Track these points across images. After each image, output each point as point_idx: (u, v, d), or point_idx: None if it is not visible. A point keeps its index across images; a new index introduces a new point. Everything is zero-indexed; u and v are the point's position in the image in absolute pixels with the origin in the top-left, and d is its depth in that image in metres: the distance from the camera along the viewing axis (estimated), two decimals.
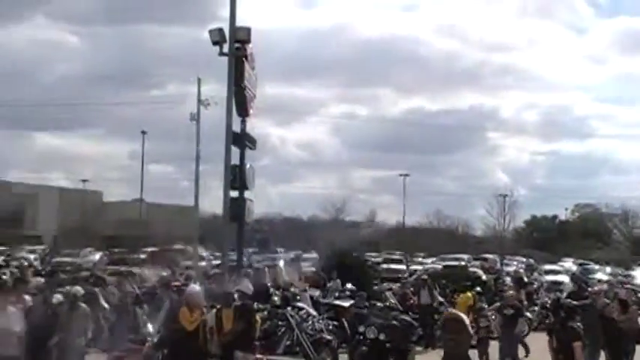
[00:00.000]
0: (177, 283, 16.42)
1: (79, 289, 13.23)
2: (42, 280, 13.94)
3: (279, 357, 15.64)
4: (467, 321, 7.26)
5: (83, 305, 12.52)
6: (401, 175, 73.94)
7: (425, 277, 25.79)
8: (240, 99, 19.56)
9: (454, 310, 10.28)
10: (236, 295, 11.32)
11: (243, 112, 19.99)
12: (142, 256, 56.06)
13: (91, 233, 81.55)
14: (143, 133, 69.46)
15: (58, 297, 13.04)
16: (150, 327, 12.71)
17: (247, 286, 11.57)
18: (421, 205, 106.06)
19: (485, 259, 52.76)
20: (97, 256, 53.99)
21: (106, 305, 16.70)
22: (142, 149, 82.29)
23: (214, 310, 11.43)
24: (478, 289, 22.83)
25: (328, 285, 24.22)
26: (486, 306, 19.15)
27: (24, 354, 9.76)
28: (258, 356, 12.40)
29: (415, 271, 42.22)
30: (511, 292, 19.15)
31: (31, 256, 45.93)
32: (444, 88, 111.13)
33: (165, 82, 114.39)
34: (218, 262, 27.18)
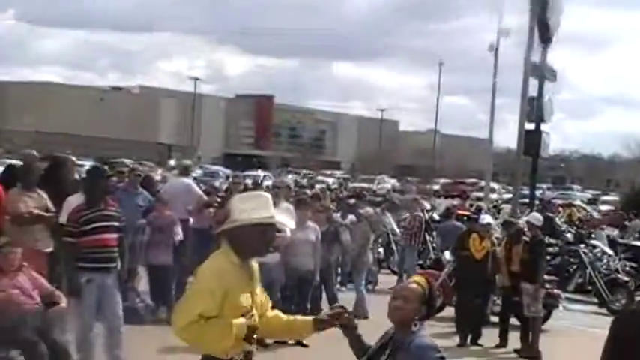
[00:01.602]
0: (466, 212, 16.43)
1: (368, 210, 13.70)
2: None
3: (570, 294, 15.20)
4: None
5: (365, 227, 12.98)
6: None
7: None
8: (542, 27, 18.77)
9: None
10: (525, 228, 11.10)
11: (545, 42, 19.19)
12: (435, 187, 56.74)
13: (385, 161, 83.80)
14: (440, 64, 69.59)
15: (351, 217, 13.62)
16: (447, 254, 12.88)
17: (537, 218, 11.21)
18: None
19: None
20: (389, 184, 55.44)
21: (396, 229, 17.16)
22: (439, 80, 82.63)
23: (504, 242, 11.31)
24: None
25: (627, 224, 22.97)
26: None
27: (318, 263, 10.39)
28: (556, 291, 12.14)
29: None
30: None
31: (330, 181, 48.29)
32: None
33: (463, 13, 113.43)
34: (509, 196, 26.75)
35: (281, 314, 4.34)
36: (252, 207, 4.06)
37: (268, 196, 4.23)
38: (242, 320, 3.96)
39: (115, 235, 7.61)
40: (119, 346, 7.59)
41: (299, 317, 4.40)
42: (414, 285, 4.00)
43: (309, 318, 4.26)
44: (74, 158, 13.84)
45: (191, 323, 3.86)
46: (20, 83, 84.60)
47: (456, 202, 29.07)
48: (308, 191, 15.65)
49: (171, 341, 9.17)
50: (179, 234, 10.65)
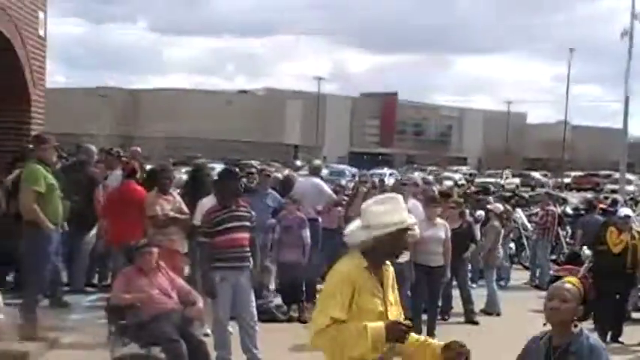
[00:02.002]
0: (602, 205, 15.86)
1: (498, 206, 13.45)
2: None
3: None
4: None
5: (496, 223, 12.81)
6: None
7: None
8: None
9: None
10: None
11: None
12: (566, 180, 55.12)
13: (513, 155, 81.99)
14: (571, 50, 67.35)
15: (480, 213, 13.42)
16: (585, 249, 12.50)
17: None
18: None
19: None
20: (517, 179, 54.30)
21: (527, 224, 16.80)
22: (568, 68, 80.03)
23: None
24: None
25: None
26: None
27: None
28: None
29: None
30: None
31: (456, 176, 47.72)
32: None
33: None
34: None
35: (413, 334, 4.07)
36: (386, 210, 3.99)
37: (400, 197, 4.17)
38: (379, 323, 3.81)
39: (247, 235, 7.76)
40: (254, 344, 7.73)
41: (430, 340, 4.15)
42: (569, 285, 3.89)
43: (438, 345, 4.01)
44: (206, 161, 14.25)
45: (324, 329, 3.77)
46: (152, 91, 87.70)
47: (589, 194, 28.15)
48: (435, 188, 15.49)
49: (303, 339, 9.36)
50: (307, 237, 10.74)
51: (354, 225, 4.10)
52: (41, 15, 12.48)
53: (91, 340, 8.57)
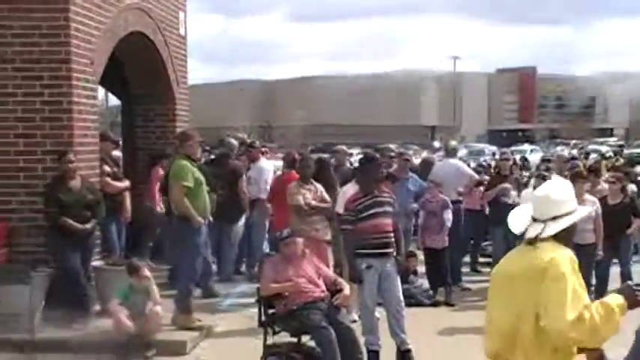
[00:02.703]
0: None
1: None
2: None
3: None
4: None
5: None
6: None
7: None
8: None
9: None
10: None
11: None
12: None
13: None
14: None
15: (632, 187, 12.84)
16: None
17: None
18: None
19: None
20: None
21: None
22: None
23: None
24: None
25: None
26: None
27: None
28: None
29: None
30: None
31: (603, 149, 45.96)
32: None
33: None
34: None
35: None
36: (569, 198, 3.86)
37: (569, 182, 4.06)
38: (616, 295, 3.66)
39: (390, 221, 7.74)
40: (401, 329, 7.72)
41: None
42: None
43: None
44: (345, 147, 14.35)
45: (579, 317, 3.54)
46: (288, 80, 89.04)
47: None
48: (581, 163, 14.98)
49: (450, 322, 9.28)
50: (449, 219, 10.63)
51: (525, 213, 3.95)
52: (181, 15, 12.89)
53: (242, 329, 8.82)
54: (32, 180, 8.96)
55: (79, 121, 9.12)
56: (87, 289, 8.81)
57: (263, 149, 13.14)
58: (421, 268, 10.99)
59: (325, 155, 13.42)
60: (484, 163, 16.79)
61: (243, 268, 12.14)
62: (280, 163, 12.96)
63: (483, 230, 12.76)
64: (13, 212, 8.99)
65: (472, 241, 12.95)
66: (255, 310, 7.41)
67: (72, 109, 8.97)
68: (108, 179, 10.05)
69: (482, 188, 12.29)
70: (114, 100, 27.93)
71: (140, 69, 12.24)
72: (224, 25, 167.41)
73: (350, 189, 8.33)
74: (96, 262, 9.23)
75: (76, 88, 9.05)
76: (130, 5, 10.65)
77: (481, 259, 12.97)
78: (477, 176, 12.29)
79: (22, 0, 8.84)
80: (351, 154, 21.93)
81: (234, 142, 12.54)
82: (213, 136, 23.57)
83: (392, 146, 36.67)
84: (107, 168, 10.12)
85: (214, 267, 10.95)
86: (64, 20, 8.85)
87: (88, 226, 8.78)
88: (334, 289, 7.40)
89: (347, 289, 7.49)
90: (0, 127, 8.94)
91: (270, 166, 12.39)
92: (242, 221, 11.48)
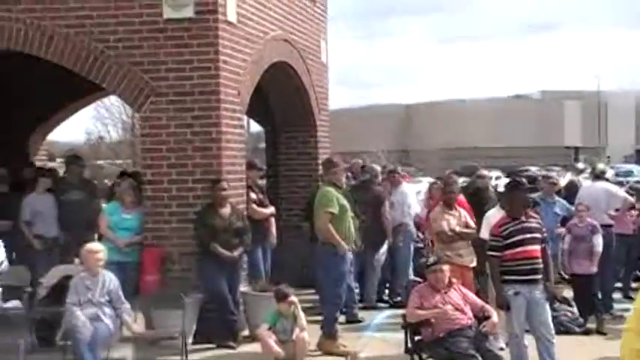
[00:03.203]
0: None
1: None
2: None
3: None
4: None
5: None
6: None
7: None
8: None
9: None
10: None
11: None
12: None
13: None
14: None
15: None
16: None
17: None
18: None
19: None
20: None
21: None
22: None
23: None
24: None
25: None
26: None
27: None
28: None
29: None
30: None
31: None
32: None
33: None
34: None
35: None
36: None
37: None
38: None
39: (538, 247, 7.57)
40: (552, 357, 7.51)
41: None
42: None
43: None
44: (485, 171, 14.14)
45: None
46: (427, 103, 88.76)
47: None
48: None
49: (602, 352, 8.92)
50: (599, 244, 10.25)
51: None
52: (323, 43, 13.15)
53: (386, 355, 8.80)
54: (183, 208, 9.31)
55: (227, 150, 9.43)
56: (235, 314, 9.06)
57: (403, 174, 13.13)
58: (568, 294, 10.66)
59: (465, 179, 13.28)
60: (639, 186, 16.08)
61: (386, 294, 12.13)
62: (420, 187, 12.93)
63: (636, 255, 12.25)
64: (165, 239, 9.36)
65: (624, 267, 12.46)
66: (399, 336, 7.41)
67: (221, 138, 9.29)
68: (254, 206, 10.32)
69: (634, 211, 11.82)
70: (255, 127, 28.73)
71: (283, 97, 12.55)
72: (363, 48, 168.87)
73: (495, 214, 8.21)
74: (244, 288, 9.47)
75: (225, 119, 9.37)
76: (275, 37, 10.96)
77: (634, 285, 12.45)
78: (631, 199, 11.82)
79: (174, 37, 9.26)
80: (490, 177, 21.58)
81: (377, 167, 12.60)
82: (350, 160, 23.74)
83: (533, 169, 35.92)
84: (253, 195, 10.39)
85: (357, 293, 11.00)
86: (214, 54, 9.21)
87: (236, 253, 9.05)
88: (481, 316, 7.30)
89: (495, 316, 7.36)
90: (154, 158, 9.37)
91: (412, 191, 12.38)
92: (385, 247, 11.50)
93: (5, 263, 7.48)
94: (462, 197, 9.67)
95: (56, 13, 9.36)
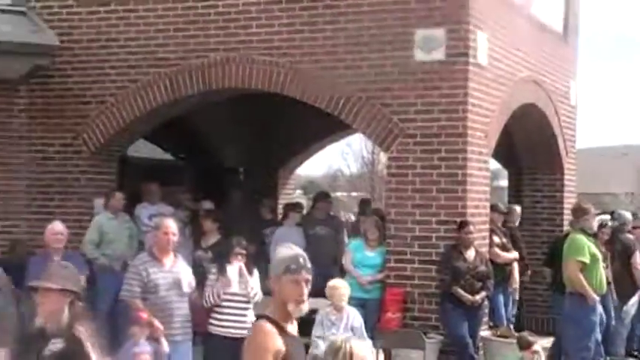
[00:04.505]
0: None
1: None
2: None
3: None
4: None
5: None
6: None
7: None
8: None
9: None
10: None
11: None
12: None
13: None
14: None
15: None
16: None
17: None
18: None
19: None
20: None
21: None
22: None
23: None
24: None
25: None
26: None
27: None
28: None
29: None
30: None
31: None
32: None
33: None
34: None
35: None
36: None
37: None
38: None
39: None
40: None
41: None
42: None
43: None
44: None
45: None
46: None
47: None
48: None
49: None
50: None
51: None
52: (572, 84, 12.72)
53: None
54: (426, 249, 9.33)
55: (472, 193, 9.37)
56: (475, 359, 8.93)
57: None
58: None
59: None
60: None
61: (634, 348, 11.42)
62: None
63: None
64: (408, 279, 9.41)
65: None
66: None
67: (466, 180, 9.25)
68: (497, 250, 10.16)
69: None
70: (492, 164, 28.18)
71: (529, 139, 12.26)
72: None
73: None
74: (484, 333, 9.32)
75: (471, 161, 9.32)
76: (524, 78, 10.78)
77: None
78: None
79: (424, 79, 9.36)
80: None
81: (627, 214, 11.96)
82: (594, 202, 22.66)
83: None
84: (496, 239, 10.23)
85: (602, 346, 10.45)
86: (463, 96, 9.21)
87: (478, 297, 8.94)
88: None
89: None
90: (399, 198, 9.49)
91: None
92: (635, 298, 10.87)
93: (260, 294, 7.84)
94: None
95: (312, 57, 9.77)
